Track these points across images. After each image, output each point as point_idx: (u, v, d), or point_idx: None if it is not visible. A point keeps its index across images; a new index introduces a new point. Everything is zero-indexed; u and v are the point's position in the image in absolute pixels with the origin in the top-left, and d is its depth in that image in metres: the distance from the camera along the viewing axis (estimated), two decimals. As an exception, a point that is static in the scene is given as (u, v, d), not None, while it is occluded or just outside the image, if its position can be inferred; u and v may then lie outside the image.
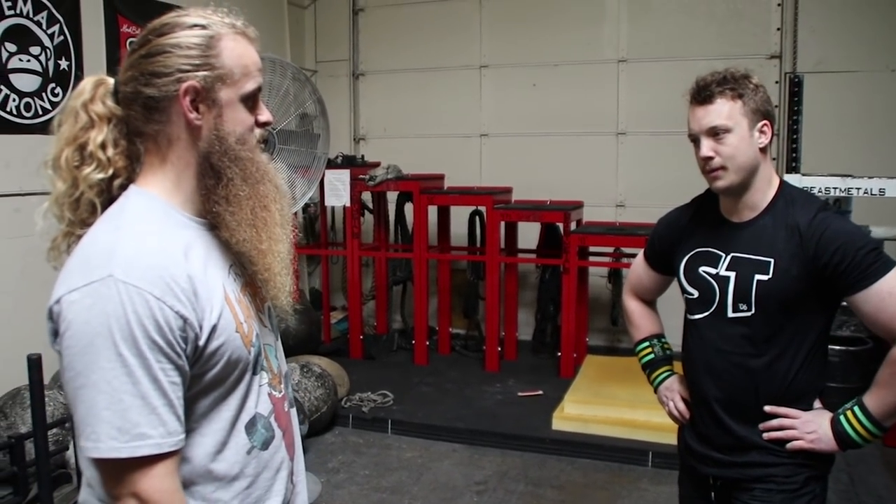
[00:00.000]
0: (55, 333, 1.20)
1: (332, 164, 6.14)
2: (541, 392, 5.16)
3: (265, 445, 1.34)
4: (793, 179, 4.11)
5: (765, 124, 1.85)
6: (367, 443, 4.63)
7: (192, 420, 1.23)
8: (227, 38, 1.26)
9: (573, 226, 5.57)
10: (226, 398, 1.27)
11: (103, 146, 1.28)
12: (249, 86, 1.29)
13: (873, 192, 4.18)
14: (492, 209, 5.58)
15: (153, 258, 1.18)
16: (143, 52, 1.24)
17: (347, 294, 6.35)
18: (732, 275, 1.88)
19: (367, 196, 6.44)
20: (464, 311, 6.25)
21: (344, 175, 5.83)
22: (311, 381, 4.57)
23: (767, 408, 1.87)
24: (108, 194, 1.30)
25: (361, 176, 5.90)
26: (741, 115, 1.82)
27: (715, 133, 1.83)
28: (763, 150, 1.87)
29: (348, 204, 5.87)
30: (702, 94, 1.84)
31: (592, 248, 5.77)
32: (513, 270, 5.97)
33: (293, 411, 1.48)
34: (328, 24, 7.26)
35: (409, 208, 6.11)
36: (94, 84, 1.31)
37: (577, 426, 4.51)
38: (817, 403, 1.91)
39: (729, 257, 1.90)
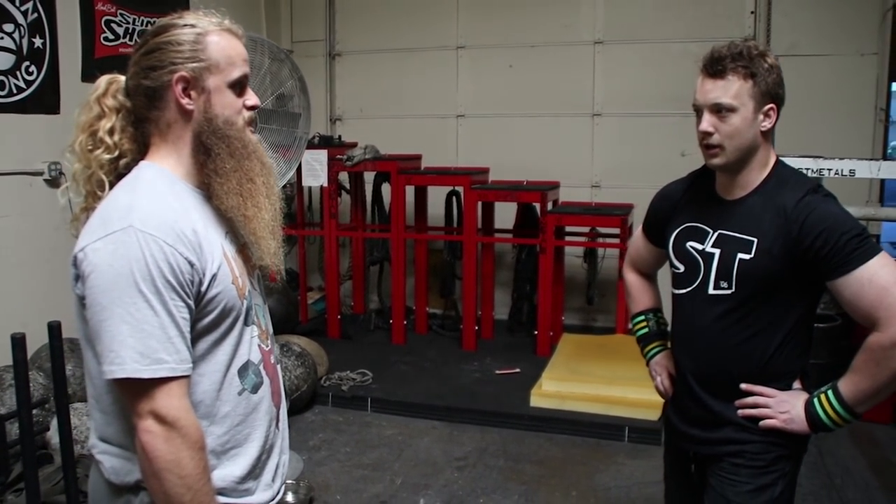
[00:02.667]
0: (77, 278, 1.37)
1: (309, 145, 6.13)
2: (518, 370, 5.22)
3: (255, 389, 1.52)
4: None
5: (771, 108, 1.82)
6: (347, 421, 4.67)
7: (192, 360, 1.39)
8: (214, 34, 1.46)
9: (549, 206, 5.62)
10: (220, 343, 1.45)
11: (111, 132, 1.49)
12: (235, 74, 1.48)
13: (844, 173, 4.27)
14: (469, 189, 5.61)
15: (166, 213, 1.37)
16: (143, 51, 1.46)
17: (325, 274, 6.35)
18: (717, 252, 1.88)
19: (344, 177, 6.45)
20: (440, 291, 6.29)
21: (321, 155, 5.83)
22: (292, 360, 4.59)
23: (744, 385, 1.88)
24: (117, 172, 1.50)
25: (339, 156, 5.90)
26: (749, 96, 1.79)
27: (718, 110, 1.80)
28: (765, 133, 1.84)
29: (325, 184, 5.87)
30: (714, 67, 1.80)
31: (568, 228, 5.83)
32: (489, 250, 6.01)
33: (279, 367, 1.67)
34: (304, 3, 7.21)
35: (386, 189, 6.13)
36: (108, 81, 1.52)
37: (555, 403, 4.58)
38: (797, 384, 1.91)
39: (716, 234, 1.90)
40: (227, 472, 1.48)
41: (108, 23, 5.25)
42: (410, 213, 6.25)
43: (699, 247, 1.93)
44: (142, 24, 5.50)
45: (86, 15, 4.90)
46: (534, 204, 5.74)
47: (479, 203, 5.83)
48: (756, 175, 1.88)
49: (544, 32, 6.51)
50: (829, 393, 1.82)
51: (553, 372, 4.75)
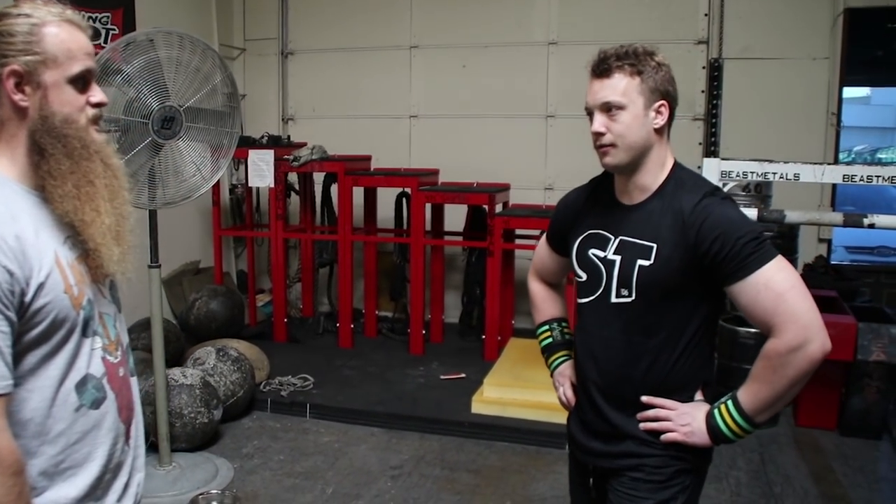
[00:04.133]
0: None
1: (256, 144, 6.04)
2: (464, 375, 5.14)
3: (96, 405, 1.43)
4: (712, 164, 4.12)
5: (662, 104, 1.78)
6: (285, 427, 4.56)
7: (18, 375, 1.30)
8: (52, 25, 1.37)
9: (499, 208, 5.54)
10: (52, 356, 1.35)
11: None
12: (75, 68, 1.39)
13: (789, 177, 4.21)
14: (416, 191, 5.52)
15: None
16: None
17: (272, 277, 6.24)
18: (618, 259, 1.82)
19: (294, 178, 6.35)
20: (390, 294, 6.20)
21: (268, 155, 5.71)
22: (227, 366, 4.47)
23: (644, 398, 1.83)
24: None
25: (286, 156, 5.79)
26: (637, 92, 1.75)
27: (608, 109, 1.76)
28: (659, 131, 1.80)
29: (272, 185, 5.76)
30: (600, 67, 1.78)
31: (519, 231, 5.75)
32: (439, 253, 5.93)
33: (133, 380, 1.58)
34: (257, 1, 7.08)
35: (335, 190, 6.02)
36: None
37: (496, 409, 4.50)
38: (699, 395, 1.86)
39: (617, 240, 1.84)
40: (61, 493, 1.39)
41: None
42: (360, 215, 6.15)
43: (601, 254, 1.87)
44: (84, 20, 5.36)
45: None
46: (484, 206, 5.66)
47: (429, 205, 5.74)
48: (653, 177, 1.82)
49: (498, 32, 6.44)
50: (729, 403, 1.77)
51: (495, 378, 4.67)
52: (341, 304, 5.84)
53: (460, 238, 6.14)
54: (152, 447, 3.93)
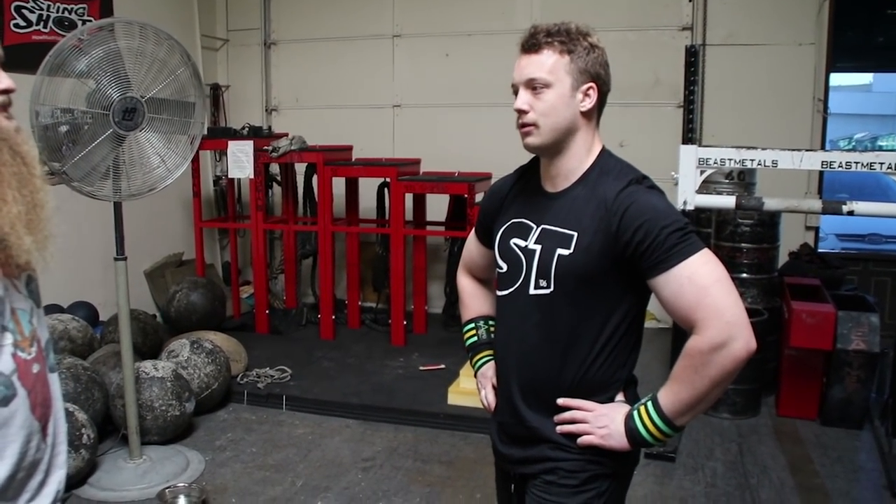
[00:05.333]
0: None
1: (237, 136, 6.00)
2: (443, 366, 5.11)
3: (4, 402, 1.36)
4: (689, 151, 4.08)
5: (591, 87, 1.69)
6: (260, 419, 4.53)
7: None
8: None
9: (479, 197, 5.49)
10: None
11: None
12: None
13: (767, 164, 4.15)
14: (396, 181, 5.47)
15: None
16: None
17: (253, 268, 6.21)
18: (539, 248, 1.73)
19: (277, 169, 6.31)
20: (373, 285, 6.16)
21: (247, 146, 5.68)
22: (201, 358, 4.44)
23: (560, 400, 1.74)
24: None
25: (265, 147, 5.75)
26: (565, 72, 1.66)
27: (533, 86, 1.67)
28: (586, 114, 1.72)
29: (252, 176, 5.72)
30: (529, 42, 1.69)
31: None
32: (421, 243, 5.88)
33: (53, 376, 1.51)
34: (239, -9, 7.04)
35: (317, 181, 5.98)
36: None
37: (472, 400, 4.43)
38: (620, 396, 1.76)
39: (539, 229, 1.75)
40: None
41: (18, 8, 5.06)
42: (341, 206, 6.11)
43: (522, 243, 1.77)
44: (58, 11, 5.32)
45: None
46: (465, 196, 5.62)
47: (410, 195, 5.70)
48: (578, 163, 1.74)
49: (481, 20, 6.38)
50: (649, 405, 1.67)
51: (472, 368, 4.62)
52: (322, 295, 5.81)
53: (442, 228, 6.09)
54: (123, 440, 3.93)
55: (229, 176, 6.01)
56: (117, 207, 3.66)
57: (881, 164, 3.70)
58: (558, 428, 1.75)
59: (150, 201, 3.68)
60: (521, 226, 1.80)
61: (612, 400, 1.75)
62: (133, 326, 4.10)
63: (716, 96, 5.91)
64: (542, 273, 1.72)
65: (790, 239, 5.54)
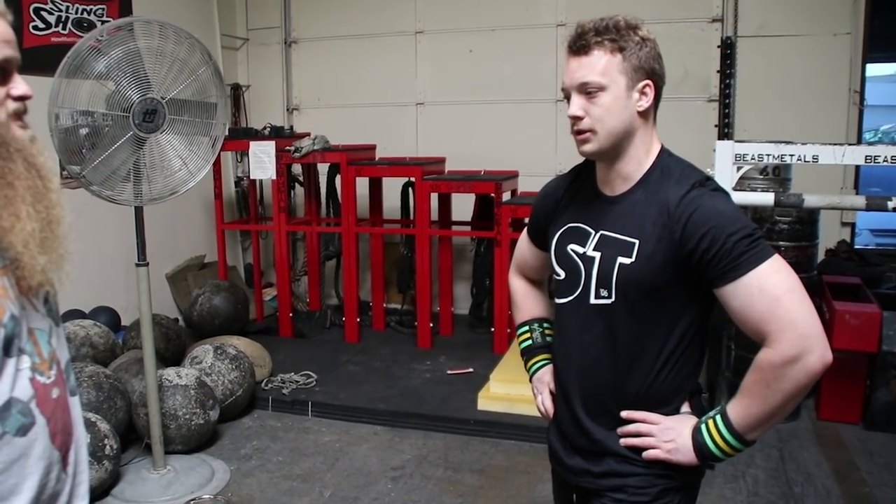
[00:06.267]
0: None
1: (258, 136, 5.91)
2: (471, 370, 4.99)
3: (21, 432, 1.26)
4: (725, 147, 3.93)
5: (647, 84, 1.59)
6: (286, 427, 4.43)
7: None
8: None
9: (506, 196, 5.37)
10: None
11: None
12: None
13: (807, 159, 3.99)
14: (421, 180, 5.36)
15: None
16: None
17: (276, 270, 6.12)
18: (598, 255, 1.64)
19: (299, 169, 6.22)
20: (398, 286, 6.06)
21: (269, 147, 5.58)
22: (225, 364, 4.35)
23: (624, 413, 1.66)
24: None
25: (287, 147, 5.65)
26: (619, 72, 1.56)
27: (586, 90, 1.57)
28: (643, 114, 1.61)
29: (274, 177, 5.62)
30: (577, 44, 1.58)
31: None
32: (447, 243, 5.77)
33: (74, 400, 1.41)
34: (259, -11, 6.95)
35: (340, 181, 5.88)
36: None
37: (503, 406, 4.34)
38: (685, 408, 1.68)
39: (598, 235, 1.66)
40: None
41: (37, 10, 5.00)
42: (365, 206, 6.00)
43: (580, 250, 1.68)
44: (77, 12, 5.25)
45: (12, 1, 4.63)
46: (492, 195, 5.49)
47: (436, 195, 5.59)
48: (637, 165, 1.64)
49: (505, 15, 6.25)
50: (718, 419, 1.58)
51: (502, 373, 4.51)
52: (346, 297, 5.71)
53: (468, 228, 5.97)
54: (147, 450, 3.85)
55: (251, 177, 5.92)
56: (138, 212, 3.57)
57: (931, 157, 3.52)
58: (623, 441, 1.67)
59: (171, 203, 3.59)
60: (579, 231, 1.71)
61: (677, 411, 1.67)
62: (155, 332, 4.02)
63: (747, 90, 5.73)
64: (603, 282, 1.63)
65: (826, 236, 5.37)
